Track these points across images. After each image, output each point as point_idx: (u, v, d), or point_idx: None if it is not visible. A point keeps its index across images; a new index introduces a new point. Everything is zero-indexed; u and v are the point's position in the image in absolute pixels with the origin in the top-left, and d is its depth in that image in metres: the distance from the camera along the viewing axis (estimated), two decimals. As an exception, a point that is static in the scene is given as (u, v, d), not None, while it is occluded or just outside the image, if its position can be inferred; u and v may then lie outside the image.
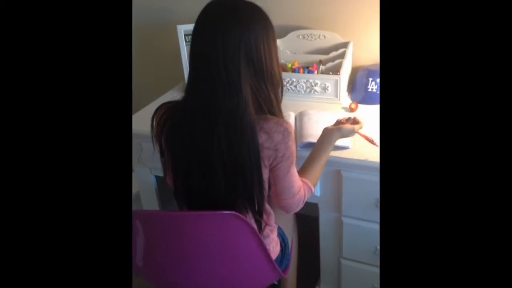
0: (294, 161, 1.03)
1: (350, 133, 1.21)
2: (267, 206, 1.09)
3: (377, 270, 1.40)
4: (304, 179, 1.10)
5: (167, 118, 1.04)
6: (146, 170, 1.64)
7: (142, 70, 2.06)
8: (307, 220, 1.60)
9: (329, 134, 1.19)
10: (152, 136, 1.07)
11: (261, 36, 0.95)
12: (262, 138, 0.96)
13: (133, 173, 1.67)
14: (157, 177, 1.65)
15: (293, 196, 1.05)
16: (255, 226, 1.02)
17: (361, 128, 1.24)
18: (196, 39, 0.97)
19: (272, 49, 0.99)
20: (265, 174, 1.01)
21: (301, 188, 1.07)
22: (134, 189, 1.75)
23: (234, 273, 1.05)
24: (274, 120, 0.98)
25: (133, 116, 1.64)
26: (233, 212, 0.94)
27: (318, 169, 1.17)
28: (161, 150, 1.08)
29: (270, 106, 1.01)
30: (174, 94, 1.76)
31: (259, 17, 0.98)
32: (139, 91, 1.88)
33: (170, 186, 1.10)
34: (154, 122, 1.06)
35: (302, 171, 1.14)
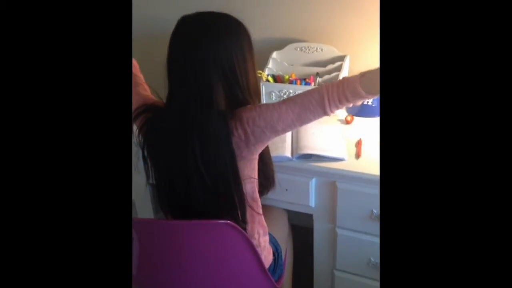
0: (280, 103, 1.00)
1: None
2: (254, 213, 1.09)
3: (370, 282, 1.40)
4: None
5: (147, 127, 1.05)
6: (142, 178, 1.64)
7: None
8: (302, 231, 1.60)
9: None
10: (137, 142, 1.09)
11: (233, 47, 0.98)
12: (240, 127, 0.98)
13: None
14: (152, 186, 1.66)
15: (323, 96, 0.97)
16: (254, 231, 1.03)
17: None
18: (169, 55, 1.00)
19: (247, 58, 1.01)
20: (249, 166, 1.03)
21: (323, 91, 0.98)
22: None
23: (227, 281, 1.05)
24: (242, 109, 1.00)
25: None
26: (228, 221, 0.95)
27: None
28: (143, 157, 1.09)
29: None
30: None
31: (230, 29, 1.00)
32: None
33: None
34: (136, 128, 1.08)
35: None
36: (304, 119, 0.99)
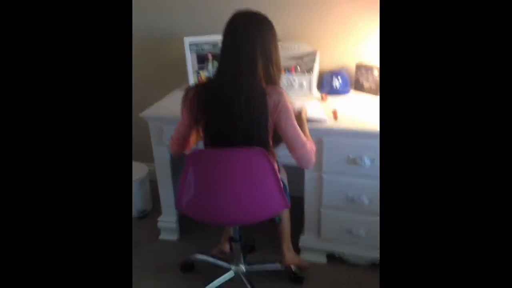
0: (292, 115, 1.47)
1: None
2: (274, 151, 1.54)
3: (346, 214, 1.87)
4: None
5: (201, 91, 1.50)
6: (164, 149, 2.03)
7: (155, 73, 2.51)
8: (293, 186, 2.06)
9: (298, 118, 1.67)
10: (182, 108, 1.54)
11: (270, 36, 1.48)
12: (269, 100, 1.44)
13: (152, 152, 2.06)
14: (171, 155, 2.05)
15: (303, 146, 1.48)
16: (274, 163, 1.47)
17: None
18: (227, 36, 1.46)
19: (275, 44, 1.50)
20: (271, 125, 1.47)
21: (306, 141, 1.50)
22: (150, 167, 2.13)
23: (256, 197, 1.48)
24: (273, 87, 1.47)
25: (154, 106, 2.08)
26: (260, 148, 1.39)
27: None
28: (191, 120, 1.53)
29: (273, 80, 1.51)
30: (181, 92, 2.21)
31: (269, 24, 1.50)
32: (152, 90, 2.34)
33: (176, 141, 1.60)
34: (188, 96, 1.52)
35: None
36: (286, 134, 1.47)
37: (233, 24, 1.46)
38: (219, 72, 1.49)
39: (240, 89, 1.41)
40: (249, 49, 1.42)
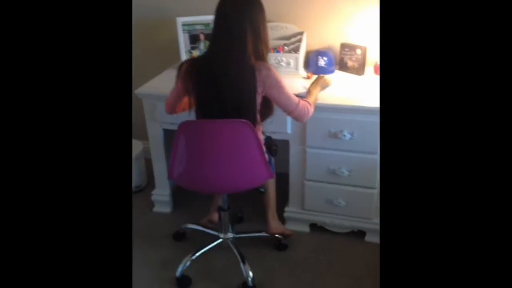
0: (283, 85, 1.60)
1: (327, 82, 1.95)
2: (258, 125, 1.66)
3: (328, 185, 1.98)
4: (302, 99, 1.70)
5: (194, 64, 1.62)
6: (157, 125, 2.14)
7: (148, 53, 2.60)
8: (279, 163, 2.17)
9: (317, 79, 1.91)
10: (176, 77, 1.67)
11: (258, 14, 1.58)
12: (258, 74, 1.56)
13: (146, 128, 2.17)
14: (164, 131, 2.16)
15: (296, 106, 1.64)
16: (260, 135, 1.59)
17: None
18: (219, 15, 1.57)
19: (264, 23, 1.61)
20: (258, 99, 1.60)
21: (299, 101, 1.65)
22: (145, 144, 2.23)
23: (242, 166, 1.60)
24: (261, 63, 1.59)
25: (147, 84, 2.18)
26: (246, 120, 1.51)
27: (314, 96, 1.80)
28: (183, 89, 1.65)
29: (261, 57, 1.62)
30: (173, 70, 2.30)
31: (258, 3, 1.61)
32: (146, 68, 2.43)
33: (170, 107, 1.76)
34: (182, 68, 1.64)
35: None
36: (280, 102, 1.64)
37: (225, 2, 1.57)
38: (211, 47, 1.61)
39: (230, 64, 1.53)
40: (239, 26, 1.53)
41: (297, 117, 1.68)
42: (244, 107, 1.56)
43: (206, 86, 1.57)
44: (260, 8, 1.59)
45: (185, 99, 1.72)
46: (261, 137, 1.70)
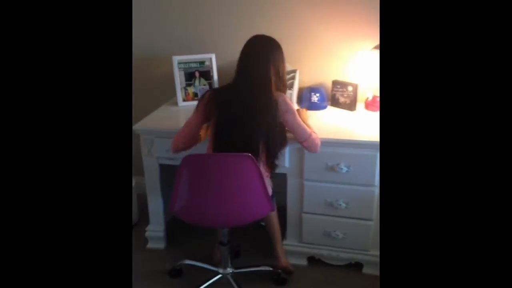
0: (296, 116, 1.75)
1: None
2: (261, 161, 1.71)
3: (326, 218, 2.02)
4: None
5: (218, 93, 1.79)
6: (153, 160, 2.14)
7: (144, 89, 2.64)
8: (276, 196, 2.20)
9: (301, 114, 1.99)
10: (196, 107, 1.80)
11: (279, 56, 1.78)
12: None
13: (139, 165, 2.17)
14: (161, 166, 2.16)
15: (309, 137, 1.78)
16: (261, 168, 1.62)
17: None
18: (246, 55, 1.76)
19: (284, 63, 1.81)
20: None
21: (311, 132, 1.79)
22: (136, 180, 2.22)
23: (244, 200, 1.62)
24: (280, 94, 1.75)
25: (144, 120, 2.19)
26: (249, 154, 1.54)
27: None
28: (204, 116, 1.78)
29: (281, 91, 1.79)
30: (169, 106, 2.37)
31: (278, 46, 1.80)
32: (142, 104, 2.46)
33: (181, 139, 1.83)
34: (205, 95, 1.79)
35: None
36: (294, 129, 1.78)
37: (252, 44, 1.77)
38: (236, 82, 1.75)
39: (255, 98, 1.69)
40: (265, 66, 1.72)
41: (310, 146, 1.79)
42: (270, 135, 1.71)
43: (229, 112, 1.71)
44: (280, 50, 1.82)
45: (202, 132, 1.83)
46: (263, 170, 1.74)
